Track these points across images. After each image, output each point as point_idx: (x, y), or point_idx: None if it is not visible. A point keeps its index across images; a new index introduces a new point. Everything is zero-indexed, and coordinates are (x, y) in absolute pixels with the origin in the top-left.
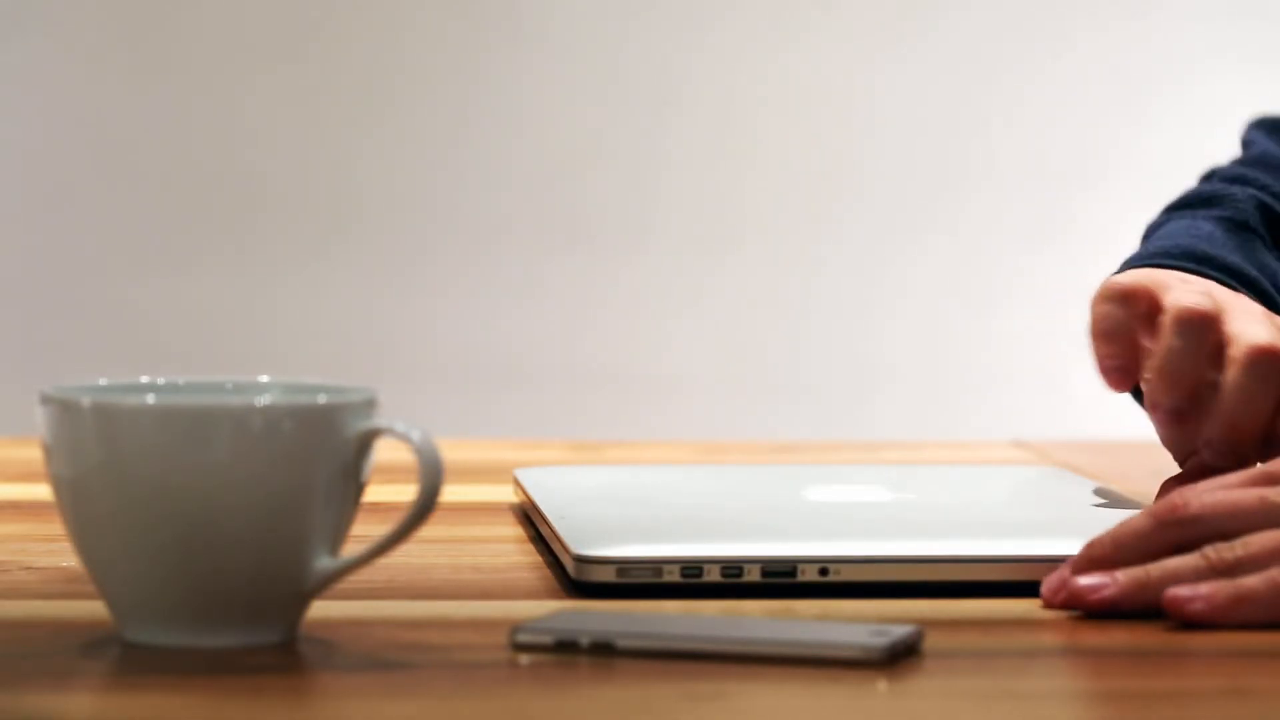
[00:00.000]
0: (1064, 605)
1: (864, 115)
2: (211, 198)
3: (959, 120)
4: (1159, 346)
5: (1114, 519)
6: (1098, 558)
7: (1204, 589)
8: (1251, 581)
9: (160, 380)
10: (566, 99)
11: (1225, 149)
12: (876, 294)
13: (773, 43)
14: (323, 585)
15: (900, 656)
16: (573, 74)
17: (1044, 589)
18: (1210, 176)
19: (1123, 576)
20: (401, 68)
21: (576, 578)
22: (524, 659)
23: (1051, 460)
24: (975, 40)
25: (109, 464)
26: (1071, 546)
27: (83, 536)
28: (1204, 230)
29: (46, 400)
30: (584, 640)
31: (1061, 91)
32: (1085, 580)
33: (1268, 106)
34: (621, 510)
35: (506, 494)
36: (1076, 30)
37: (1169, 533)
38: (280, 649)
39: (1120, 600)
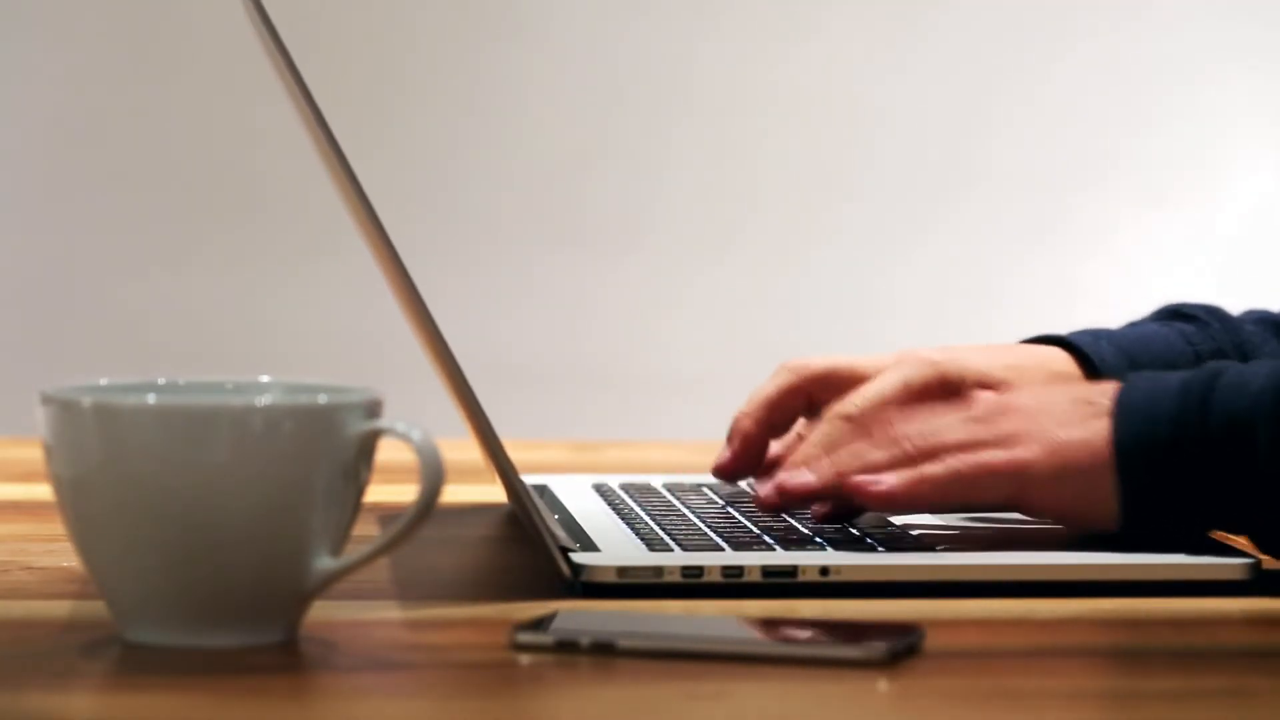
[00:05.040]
0: (770, 500)
1: (863, 116)
2: (212, 198)
3: (957, 122)
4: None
5: None
6: (808, 455)
7: (889, 476)
8: (933, 468)
9: (160, 380)
10: (567, 100)
11: (1223, 151)
12: (875, 294)
13: (772, 44)
14: (323, 585)
15: (900, 656)
16: (573, 75)
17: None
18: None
19: (823, 466)
20: (401, 67)
21: (577, 578)
22: (524, 659)
23: None
24: (973, 43)
25: (109, 464)
26: (1071, 546)
27: (83, 536)
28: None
29: (47, 400)
30: (584, 640)
31: (1059, 94)
32: (792, 476)
33: (1267, 109)
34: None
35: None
36: (1074, 34)
37: (864, 431)
38: (281, 649)
39: (820, 488)
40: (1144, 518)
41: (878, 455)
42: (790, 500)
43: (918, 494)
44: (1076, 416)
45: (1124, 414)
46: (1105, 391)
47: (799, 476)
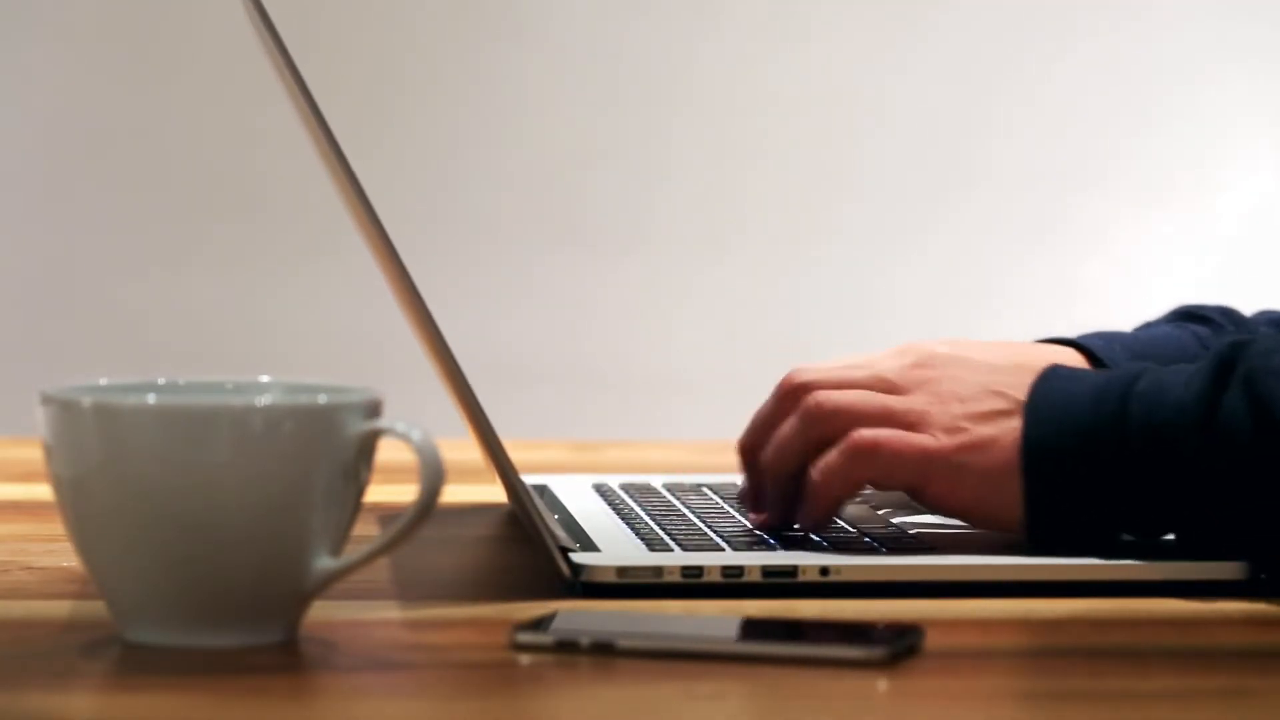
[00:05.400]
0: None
1: (863, 116)
2: (212, 198)
3: (957, 121)
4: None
5: None
6: (743, 448)
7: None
8: (829, 456)
9: (161, 380)
10: (567, 100)
11: (1222, 151)
12: (876, 294)
13: (771, 44)
14: (323, 585)
15: (900, 656)
16: (573, 75)
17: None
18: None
19: (767, 494)
20: (401, 67)
21: (577, 578)
22: (524, 659)
23: None
24: (974, 43)
25: (109, 464)
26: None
27: (83, 536)
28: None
29: (47, 400)
30: (584, 640)
31: (1059, 94)
32: (751, 515)
33: (1266, 108)
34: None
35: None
36: (1074, 33)
37: (785, 404)
38: (281, 649)
39: (771, 519)
40: (1049, 524)
41: (787, 430)
42: (767, 526)
43: (821, 496)
44: (986, 408)
45: (1035, 415)
46: (1020, 382)
47: (755, 516)
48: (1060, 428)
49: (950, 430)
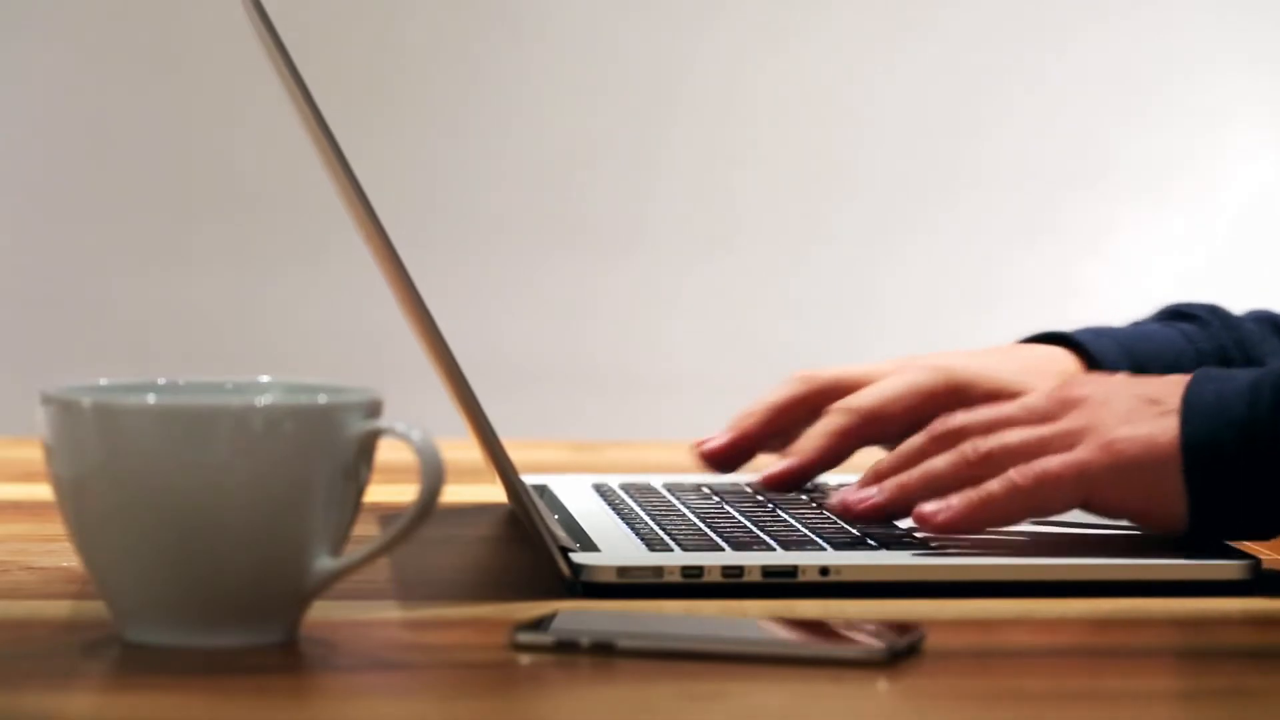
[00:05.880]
0: (840, 514)
1: (860, 115)
2: (211, 197)
3: (953, 120)
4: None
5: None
6: (881, 471)
7: (953, 500)
8: (991, 485)
9: (160, 380)
10: (564, 99)
11: (1220, 147)
12: (874, 293)
13: (767, 44)
14: (323, 585)
15: (900, 656)
16: (571, 75)
17: (848, 500)
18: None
19: (888, 484)
20: (401, 67)
21: (577, 578)
22: (524, 659)
23: None
24: (970, 41)
25: (109, 464)
26: (1071, 546)
27: (83, 536)
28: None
29: (47, 400)
30: (584, 640)
31: (1055, 91)
32: (856, 493)
33: (1263, 104)
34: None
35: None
36: (1070, 30)
37: (937, 445)
38: (280, 649)
39: (886, 506)
40: (1213, 519)
41: (941, 465)
42: (856, 518)
43: (979, 519)
44: (1141, 414)
45: (1192, 413)
46: (1171, 390)
47: (865, 494)
48: (1217, 424)
49: (1107, 438)
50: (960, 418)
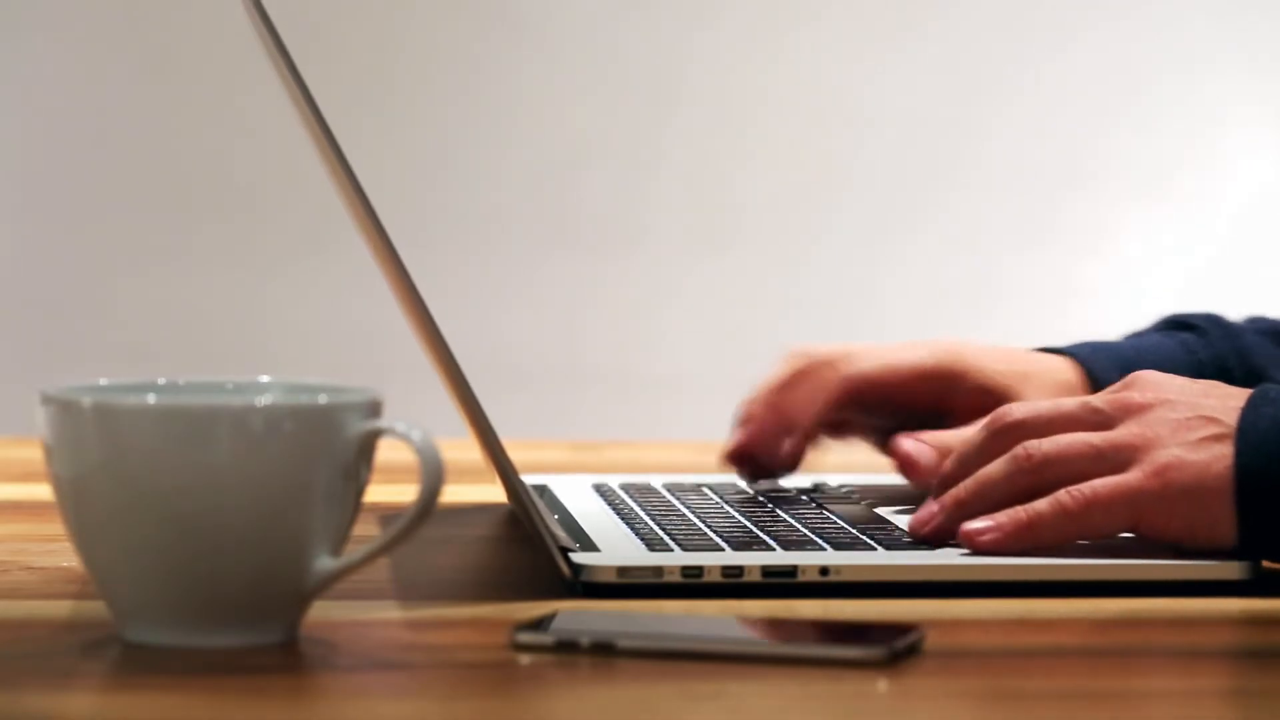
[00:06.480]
0: (934, 535)
1: (859, 113)
2: (212, 198)
3: (953, 118)
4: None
5: None
6: (945, 476)
7: (1002, 519)
8: (1040, 506)
9: (161, 380)
10: (563, 99)
11: (1220, 146)
12: (874, 291)
13: (766, 43)
14: (323, 585)
15: (900, 656)
16: (570, 74)
17: (914, 523)
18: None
19: (946, 500)
20: (401, 67)
21: (577, 578)
22: (524, 659)
23: None
24: (970, 39)
25: (109, 464)
26: (1070, 547)
27: (83, 536)
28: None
29: (47, 400)
30: (584, 640)
31: (1054, 90)
32: (922, 512)
33: (1263, 103)
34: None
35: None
36: (1069, 29)
37: (994, 443)
38: (280, 649)
39: (947, 526)
40: (1263, 545)
41: (996, 473)
42: (924, 540)
43: (1026, 540)
44: (1197, 433)
45: (1247, 441)
46: (1228, 408)
47: (927, 513)
48: (1274, 452)
49: (1159, 463)
50: (1020, 411)
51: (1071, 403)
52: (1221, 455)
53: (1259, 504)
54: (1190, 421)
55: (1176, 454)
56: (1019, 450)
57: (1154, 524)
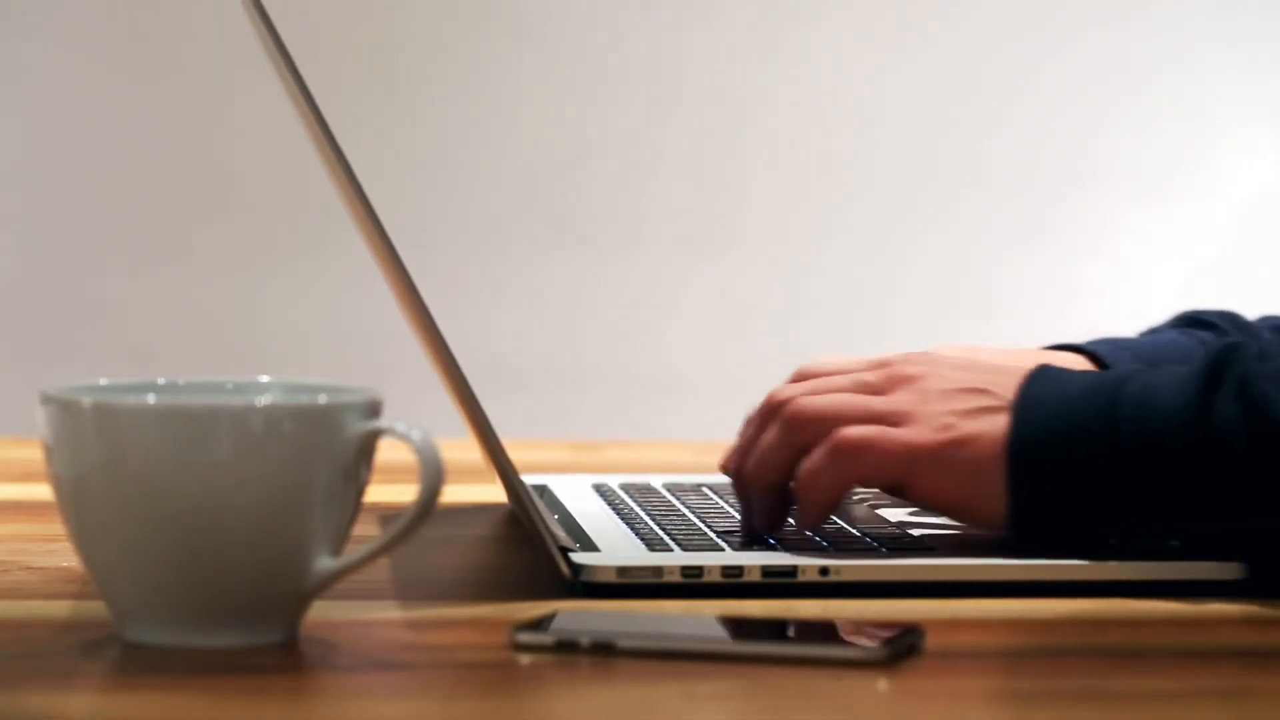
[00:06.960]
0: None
1: (859, 114)
2: (212, 198)
3: (953, 119)
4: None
5: None
6: (724, 467)
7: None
8: (814, 453)
9: (161, 380)
10: (565, 100)
11: (1219, 149)
12: (874, 292)
13: (767, 44)
14: (323, 585)
15: (900, 656)
16: (571, 75)
17: (743, 526)
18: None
19: (739, 491)
20: (401, 67)
21: (577, 578)
22: (524, 659)
23: None
24: (969, 40)
25: (109, 464)
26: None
27: (83, 536)
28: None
29: (47, 400)
30: (584, 640)
31: (1054, 90)
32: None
33: (1262, 103)
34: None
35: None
36: (1069, 29)
37: (766, 421)
38: (281, 649)
39: (756, 519)
40: (1033, 521)
41: (769, 437)
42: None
43: (812, 492)
44: (969, 405)
45: (1022, 414)
46: (1003, 382)
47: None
48: (1048, 425)
49: (935, 427)
50: (788, 390)
51: (840, 378)
52: (996, 425)
53: (1030, 476)
54: (962, 393)
55: (950, 421)
56: (788, 409)
57: (926, 485)
